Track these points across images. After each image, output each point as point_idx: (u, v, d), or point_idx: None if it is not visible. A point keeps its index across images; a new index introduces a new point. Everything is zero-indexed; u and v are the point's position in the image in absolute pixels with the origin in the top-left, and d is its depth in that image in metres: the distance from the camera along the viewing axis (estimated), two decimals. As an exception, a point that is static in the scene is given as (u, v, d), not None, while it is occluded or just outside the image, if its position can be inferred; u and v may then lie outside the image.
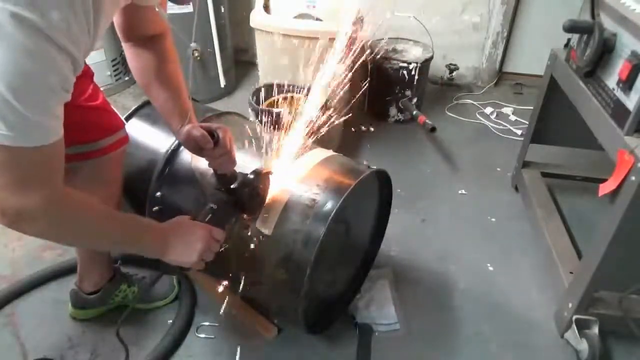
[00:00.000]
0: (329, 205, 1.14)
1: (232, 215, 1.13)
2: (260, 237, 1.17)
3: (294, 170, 1.23)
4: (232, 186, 1.10)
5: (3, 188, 0.71)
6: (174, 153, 1.33)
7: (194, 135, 1.05)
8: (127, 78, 2.93)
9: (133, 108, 1.48)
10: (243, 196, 1.10)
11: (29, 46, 0.63)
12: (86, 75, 1.14)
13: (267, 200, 1.18)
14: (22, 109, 0.65)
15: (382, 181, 1.41)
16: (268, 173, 1.16)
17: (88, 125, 1.14)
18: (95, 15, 0.73)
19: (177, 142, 1.33)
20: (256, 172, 1.12)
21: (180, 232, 0.99)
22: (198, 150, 1.08)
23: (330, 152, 1.35)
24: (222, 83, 2.80)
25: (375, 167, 1.30)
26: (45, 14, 0.63)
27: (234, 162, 1.12)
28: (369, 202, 1.46)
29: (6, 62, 0.63)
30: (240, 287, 1.22)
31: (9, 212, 0.73)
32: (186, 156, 1.32)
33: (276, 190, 1.19)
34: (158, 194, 1.31)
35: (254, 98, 2.01)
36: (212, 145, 1.05)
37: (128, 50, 1.09)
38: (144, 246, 0.96)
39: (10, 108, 0.65)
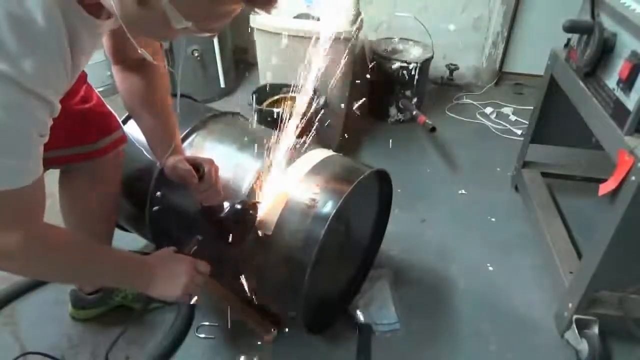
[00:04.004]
0: (329, 206, 1.14)
1: (219, 247, 1.12)
2: (261, 237, 1.17)
3: (294, 171, 1.23)
4: (218, 216, 1.09)
5: None
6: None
7: (179, 170, 1.05)
8: (127, 78, 2.92)
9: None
10: (230, 227, 1.09)
11: (1, 98, 0.62)
12: (79, 77, 1.13)
13: (267, 201, 1.18)
14: None
15: (382, 181, 1.41)
16: (256, 203, 1.16)
17: (83, 127, 1.13)
18: (74, 54, 0.73)
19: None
20: (244, 202, 1.11)
21: (164, 266, 0.98)
22: (184, 184, 1.08)
23: (330, 152, 1.34)
24: (222, 83, 2.80)
25: (375, 167, 1.30)
26: (18, 63, 0.62)
27: (219, 195, 1.11)
28: (369, 201, 1.46)
29: None
30: (237, 286, 1.22)
31: None
32: (186, 156, 1.32)
33: (276, 190, 1.19)
34: (158, 193, 1.31)
35: (254, 98, 2.01)
36: (197, 180, 1.05)
37: (117, 74, 1.09)
38: (126, 282, 0.98)
39: None
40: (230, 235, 1.10)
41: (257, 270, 1.22)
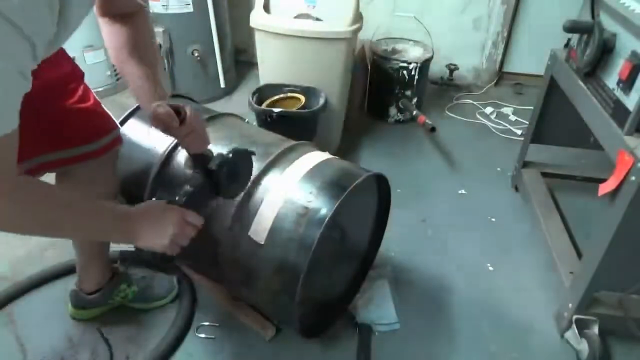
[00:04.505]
0: (322, 213, 1.12)
1: (210, 198, 1.08)
2: (254, 245, 1.16)
3: (288, 175, 1.22)
4: (209, 166, 1.04)
5: None
6: (169, 157, 1.32)
7: (159, 114, 1.01)
8: (127, 78, 2.92)
9: (129, 111, 1.47)
10: (221, 177, 1.04)
11: None
12: (75, 76, 1.13)
13: (261, 207, 1.16)
14: None
15: (381, 184, 1.41)
16: (248, 153, 1.11)
17: (80, 127, 1.12)
18: (64, 5, 0.70)
19: (172, 145, 1.32)
20: (235, 151, 1.06)
21: (151, 216, 0.95)
22: (166, 129, 1.04)
23: (326, 155, 1.33)
24: (222, 83, 2.80)
25: (372, 171, 1.29)
26: None
27: (204, 141, 1.08)
28: (368, 204, 1.46)
29: None
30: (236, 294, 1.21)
31: None
32: (181, 160, 1.31)
33: (269, 196, 1.18)
34: (154, 200, 1.30)
35: (254, 98, 2.01)
36: (177, 123, 1.01)
37: (104, 27, 1.07)
38: (110, 233, 0.94)
39: None
40: (221, 185, 1.05)
41: (250, 278, 1.22)
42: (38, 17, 0.66)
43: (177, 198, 1.00)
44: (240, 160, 1.09)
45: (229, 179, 1.06)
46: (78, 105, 1.11)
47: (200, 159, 1.06)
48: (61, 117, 1.04)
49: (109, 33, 1.07)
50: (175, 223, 0.95)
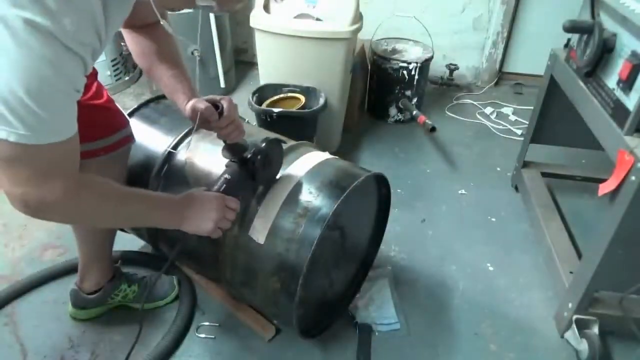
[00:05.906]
0: (321, 213, 1.12)
1: (247, 184, 1.15)
2: (253, 246, 1.17)
3: (288, 176, 1.22)
4: (244, 155, 1.12)
5: (25, 182, 0.77)
6: (170, 156, 1.33)
7: (199, 109, 1.06)
8: (127, 78, 2.93)
9: (130, 110, 1.47)
10: (256, 165, 1.12)
11: (43, 52, 0.67)
12: (90, 74, 1.15)
13: (261, 207, 1.18)
14: (38, 111, 0.70)
15: (380, 184, 1.41)
16: (279, 141, 1.18)
17: (93, 123, 1.13)
18: (106, 18, 0.77)
19: (173, 144, 1.33)
20: (267, 140, 1.14)
21: (194, 203, 1.03)
22: (205, 123, 1.09)
23: (326, 155, 1.33)
24: (222, 83, 2.80)
25: (372, 171, 1.29)
26: (57, 20, 0.67)
27: (241, 131, 1.13)
28: (367, 204, 1.45)
29: (23, 67, 0.67)
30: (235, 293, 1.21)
31: (32, 204, 0.79)
32: (182, 159, 1.32)
33: (269, 196, 1.19)
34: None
35: (254, 98, 2.01)
36: (217, 116, 1.07)
37: (127, 37, 1.14)
38: (160, 221, 1.03)
39: (28, 110, 0.69)
40: (257, 173, 1.13)
41: (250, 278, 1.22)
42: (88, 40, 0.75)
43: (216, 186, 1.09)
44: (272, 149, 1.16)
45: (264, 165, 1.14)
46: (91, 101, 1.14)
47: (236, 148, 1.13)
48: (77, 113, 1.07)
49: (133, 41, 1.15)
50: (216, 208, 1.04)
